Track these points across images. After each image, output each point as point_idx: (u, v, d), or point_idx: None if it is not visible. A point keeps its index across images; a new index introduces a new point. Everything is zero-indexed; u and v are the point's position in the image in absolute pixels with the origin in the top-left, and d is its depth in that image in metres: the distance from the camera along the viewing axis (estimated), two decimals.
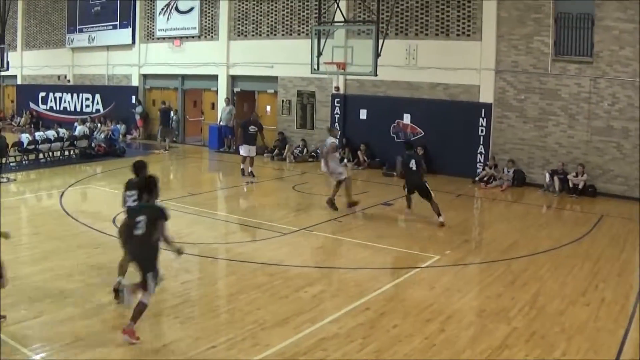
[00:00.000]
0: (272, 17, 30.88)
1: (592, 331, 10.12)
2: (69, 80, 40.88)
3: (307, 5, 29.54)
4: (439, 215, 17.60)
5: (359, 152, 27.32)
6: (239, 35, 32.20)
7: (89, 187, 22.31)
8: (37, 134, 28.19)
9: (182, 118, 35.44)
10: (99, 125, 34.35)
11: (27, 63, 43.54)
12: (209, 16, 33.35)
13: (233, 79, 32.90)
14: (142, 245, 9.57)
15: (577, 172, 22.30)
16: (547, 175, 22.94)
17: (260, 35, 31.38)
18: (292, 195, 21.84)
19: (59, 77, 41.49)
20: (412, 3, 26.35)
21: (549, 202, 21.81)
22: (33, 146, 26.68)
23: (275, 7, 30.68)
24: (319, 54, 24.14)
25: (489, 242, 16.49)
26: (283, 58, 29.89)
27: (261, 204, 20.74)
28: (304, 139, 29.72)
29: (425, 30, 26.18)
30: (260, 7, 31.19)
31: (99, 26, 38.23)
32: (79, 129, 30.49)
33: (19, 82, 44.65)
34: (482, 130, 24.81)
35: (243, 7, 31.85)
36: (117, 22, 37.17)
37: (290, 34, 30.25)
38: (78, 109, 39.88)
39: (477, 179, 24.16)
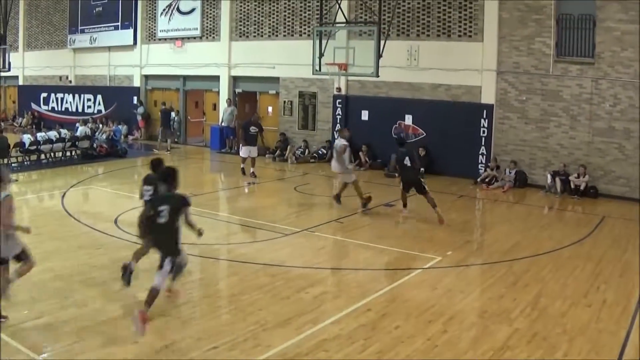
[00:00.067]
0: (273, 18, 30.89)
1: (594, 332, 10.12)
2: (70, 81, 40.90)
3: (309, 6, 29.55)
4: (435, 206, 17.86)
5: (360, 153, 27.28)
6: (240, 36, 32.22)
7: (91, 188, 22.30)
8: (38, 134, 28.19)
9: (184, 119, 35.45)
10: (100, 126, 34.39)
11: (29, 64, 43.58)
12: (210, 17, 33.36)
13: (235, 80, 32.90)
14: (165, 233, 10.10)
15: (579, 173, 22.30)
16: (549, 176, 22.94)
17: (262, 36, 31.39)
18: (294, 196, 21.84)
19: (60, 77, 41.51)
20: (414, 4, 26.36)
21: (551, 203, 21.80)
22: (35, 147, 26.70)
23: (277, 8, 30.69)
24: (321, 54, 24.13)
25: (490, 243, 16.49)
26: (285, 59, 29.90)
27: (263, 205, 20.73)
28: (306, 140, 29.73)
29: (427, 31, 26.18)
30: (262, 8, 31.20)
31: (100, 27, 38.25)
32: (81, 130, 30.54)
33: (20, 82, 44.69)
34: (483, 131, 24.81)
35: (245, 8, 31.86)
36: (119, 23, 37.19)
37: (292, 35, 30.26)
38: (80, 110, 39.89)
39: (478, 180, 24.15)
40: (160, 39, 35.65)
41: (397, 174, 20.42)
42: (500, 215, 20.43)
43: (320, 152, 29.09)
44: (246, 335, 9.66)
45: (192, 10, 33.89)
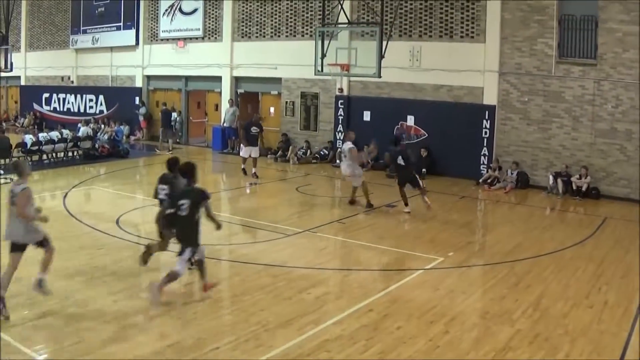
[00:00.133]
0: (275, 18, 30.90)
1: (596, 333, 10.12)
2: (72, 82, 40.91)
3: (311, 7, 29.56)
4: (424, 193, 18.75)
5: (362, 154, 27.27)
6: (242, 37, 32.22)
7: (93, 188, 22.32)
8: (40, 135, 28.20)
9: (186, 119, 35.46)
10: (102, 126, 34.43)
11: (31, 64, 43.60)
12: (212, 17, 33.37)
13: (237, 81, 32.90)
14: (186, 225, 10.82)
15: (581, 174, 22.28)
16: (551, 177, 22.92)
17: (264, 36, 31.40)
18: (296, 196, 21.84)
19: (62, 78, 41.52)
20: (416, 5, 26.36)
21: (553, 204, 21.78)
22: (36, 147, 26.72)
23: (279, 8, 30.70)
24: (323, 55, 24.12)
25: (492, 244, 16.50)
26: (287, 59, 29.90)
27: (265, 206, 20.74)
28: (308, 141, 29.73)
29: (429, 32, 26.19)
30: (264, 9, 31.21)
31: (102, 27, 38.27)
32: (83, 130, 30.58)
33: (22, 83, 44.70)
34: (485, 132, 24.81)
35: (247, 8, 31.87)
36: (121, 23, 37.22)
37: (294, 36, 30.26)
38: (82, 110, 39.89)
39: (480, 181, 24.14)
40: (162, 40, 35.67)
41: (394, 175, 20.59)
42: (502, 216, 20.43)
43: (322, 152, 29.10)
44: (248, 335, 9.66)
45: (194, 10, 33.90)
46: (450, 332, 10.06)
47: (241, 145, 25.18)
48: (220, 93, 33.39)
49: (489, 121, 24.69)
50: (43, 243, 10.52)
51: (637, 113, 21.76)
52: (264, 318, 10.36)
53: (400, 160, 18.88)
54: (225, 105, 32.52)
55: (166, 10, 35.15)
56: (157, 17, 35.72)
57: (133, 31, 36.59)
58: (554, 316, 10.81)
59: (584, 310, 11.15)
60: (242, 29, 32.17)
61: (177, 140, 34.52)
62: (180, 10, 34.50)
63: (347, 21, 25.78)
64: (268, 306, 10.96)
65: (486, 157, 24.85)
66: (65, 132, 29.10)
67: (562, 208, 21.37)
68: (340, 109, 28.73)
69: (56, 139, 27.77)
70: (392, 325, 10.24)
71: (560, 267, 13.87)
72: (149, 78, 36.96)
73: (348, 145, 19.62)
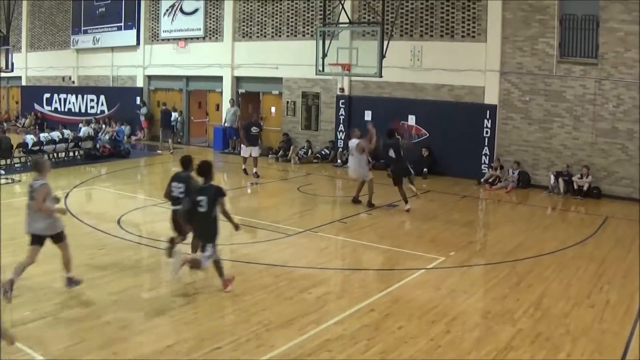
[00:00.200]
0: (276, 18, 30.90)
1: (597, 333, 10.11)
2: (73, 82, 40.93)
3: (312, 7, 29.55)
4: (412, 183, 19.52)
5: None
6: (243, 37, 32.23)
7: (94, 188, 22.31)
8: (41, 135, 28.18)
9: (187, 119, 35.47)
10: (103, 126, 34.39)
11: (32, 64, 43.65)
12: (213, 17, 33.37)
13: (238, 80, 32.91)
14: (204, 221, 11.29)
15: (582, 173, 22.27)
16: (552, 176, 22.91)
17: (265, 36, 31.40)
18: (297, 196, 21.85)
19: (63, 78, 41.54)
20: (417, 4, 26.36)
21: (554, 203, 21.77)
22: (38, 147, 26.70)
23: (280, 8, 30.70)
24: (324, 55, 24.12)
25: (494, 243, 16.48)
26: (288, 59, 29.90)
27: (266, 205, 20.75)
28: (309, 140, 29.74)
29: (430, 32, 26.18)
30: (265, 9, 31.21)
31: (103, 27, 38.29)
32: (84, 130, 30.59)
33: (23, 83, 44.74)
34: (486, 132, 24.80)
35: (248, 8, 31.87)
36: (122, 24, 37.23)
37: (295, 35, 30.26)
38: (83, 110, 39.91)
39: (482, 180, 24.13)
40: (163, 40, 35.68)
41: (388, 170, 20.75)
42: (504, 216, 20.42)
43: (323, 152, 29.10)
44: (249, 335, 9.66)
45: (195, 10, 33.91)
46: (452, 331, 10.05)
47: (242, 145, 25.23)
48: (221, 93, 33.41)
49: (490, 121, 24.69)
50: (60, 237, 11.14)
51: (638, 112, 21.74)
52: (265, 318, 10.35)
53: (391, 153, 19.20)
54: (226, 105, 32.54)
55: (167, 10, 35.16)
56: (158, 17, 35.73)
57: (134, 31, 36.61)
58: (556, 316, 10.80)
59: (586, 310, 11.14)
60: (243, 29, 32.17)
61: (179, 140, 34.57)
62: (181, 10, 34.51)
63: (348, 21, 25.78)
64: (269, 306, 10.95)
65: (487, 157, 24.85)
66: (67, 132, 29.10)
67: (564, 207, 21.36)
68: (342, 109, 28.73)
69: (57, 139, 27.77)
70: (394, 325, 10.23)
71: (561, 266, 13.87)
72: (150, 78, 36.98)
73: (354, 142, 19.67)
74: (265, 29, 31.37)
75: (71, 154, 28.58)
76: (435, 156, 25.86)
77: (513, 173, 23.78)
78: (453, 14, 25.50)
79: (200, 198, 11.24)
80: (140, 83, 37.03)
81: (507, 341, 9.66)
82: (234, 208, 20.40)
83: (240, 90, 32.95)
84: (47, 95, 42.61)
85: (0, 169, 24.20)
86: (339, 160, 28.15)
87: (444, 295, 11.82)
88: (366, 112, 27.84)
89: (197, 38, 34.12)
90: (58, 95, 41.86)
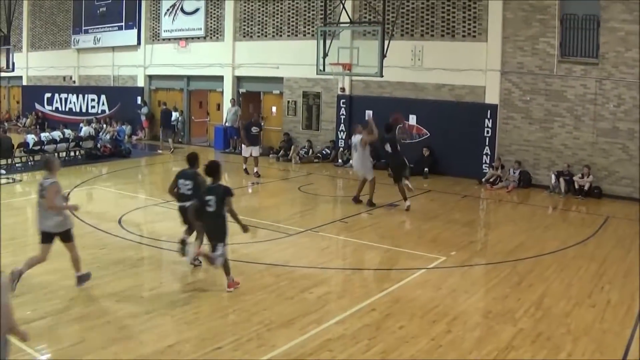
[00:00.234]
0: (277, 18, 30.90)
1: (598, 333, 10.11)
2: (74, 81, 40.94)
3: (313, 6, 29.55)
4: (407, 178, 19.73)
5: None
6: (244, 36, 32.24)
7: (95, 188, 22.31)
8: (42, 134, 28.17)
9: (188, 119, 35.48)
10: (104, 126, 34.38)
11: (33, 64, 43.66)
12: (214, 17, 33.38)
13: (239, 80, 32.92)
14: (213, 220, 11.47)
15: (583, 173, 22.26)
16: (553, 176, 22.90)
17: (266, 36, 31.41)
18: (298, 196, 21.85)
19: (64, 78, 41.56)
20: (418, 4, 26.35)
21: (555, 203, 21.77)
22: (39, 147, 26.70)
23: (281, 8, 30.70)
24: (325, 55, 24.12)
25: (494, 243, 16.47)
26: (289, 59, 29.90)
27: (267, 205, 20.76)
28: (310, 140, 29.74)
29: (431, 31, 26.17)
30: (266, 8, 31.21)
31: (104, 27, 38.30)
32: (85, 130, 30.61)
33: (24, 83, 44.78)
34: (487, 132, 24.80)
35: (248, 8, 31.87)
36: (123, 23, 37.24)
37: (296, 35, 30.26)
38: (83, 110, 39.94)
39: (483, 180, 24.11)
40: (164, 39, 35.69)
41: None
42: (505, 216, 20.42)
43: (324, 152, 29.10)
44: (250, 335, 9.66)
45: (196, 10, 33.91)
46: (453, 331, 10.05)
47: (242, 145, 25.27)
48: (222, 93, 33.41)
49: (491, 120, 24.68)
50: (69, 236, 11.39)
51: (638, 112, 21.73)
52: (266, 317, 10.36)
53: (387, 147, 19.41)
54: (227, 104, 32.53)
55: (168, 10, 35.17)
56: (159, 16, 35.74)
57: (135, 31, 36.62)
58: (557, 315, 10.80)
59: (587, 310, 11.14)
60: (244, 29, 32.18)
61: (180, 140, 34.59)
62: (182, 10, 34.51)
63: (349, 20, 25.80)
64: (270, 306, 10.96)
65: (488, 157, 24.84)
66: (67, 132, 29.11)
67: (564, 207, 21.36)
68: (342, 109, 28.73)
69: (58, 139, 27.76)
70: (395, 324, 10.24)
71: (562, 266, 13.87)
72: (150, 78, 36.99)
73: (357, 137, 19.71)
74: (266, 28, 31.37)
75: (72, 153, 28.58)
76: (436, 156, 25.86)
77: (514, 173, 23.77)
78: (454, 13, 25.50)
79: (208, 198, 11.41)
80: (141, 83, 37.04)
81: (508, 341, 9.66)
82: (235, 207, 20.32)
83: (241, 90, 32.96)
84: (48, 94, 42.64)
85: (1, 168, 24.19)
86: (339, 160, 28.16)
87: (444, 295, 11.83)
88: (367, 111, 27.76)
89: (198, 38, 34.12)
90: (59, 94, 41.90)
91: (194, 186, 12.66)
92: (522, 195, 22.75)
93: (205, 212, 11.46)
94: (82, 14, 39.66)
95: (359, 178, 20.23)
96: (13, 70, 36.69)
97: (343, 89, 28.46)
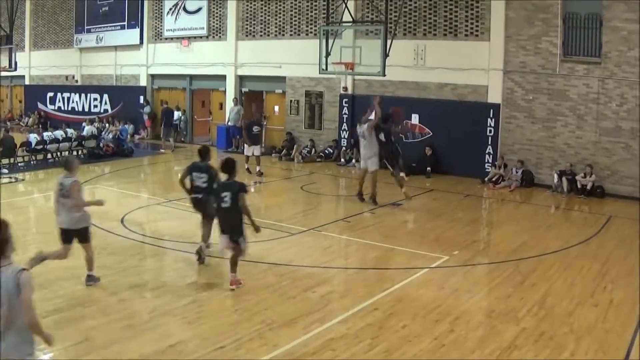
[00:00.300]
0: (280, 17, 30.89)
1: (601, 332, 10.11)
2: (76, 81, 40.96)
3: (315, 6, 29.53)
4: (402, 170, 19.99)
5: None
6: (247, 36, 32.23)
7: (97, 187, 22.28)
8: (45, 134, 28.24)
9: (190, 118, 35.49)
10: (107, 125, 34.38)
11: (35, 63, 43.64)
12: (217, 16, 33.37)
13: (241, 79, 32.91)
14: (229, 216, 11.70)
15: (586, 172, 22.23)
16: (556, 175, 22.88)
17: (269, 35, 31.39)
18: (301, 195, 21.85)
19: (66, 77, 41.58)
20: (420, 3, 26.33)
21: (558, 202, 21.76)
22: (41, 146, 26.75)
23: (284, 7, 30.68)
24: (327, 54, 24.15)
25: (497, 242, 16.47)
26: (291, 58, 29.88)
27: (269, 204, 20.76)
28: (312, 139, 29.72)
29: (434, 31, 26.15)
30: (268, 7, 31.20)
31: (106, 26, 38.30)
32: (87, 129, 30.62)
33: (26, 82, 44.78)
34: (490, 131, 24.76)
35: (251, 7, 31.86)
36: (125, 23, 37.22)
37: (299, 34, 30.25)
38: (86, 109, 39.97)
39: (485, 179, 24.09)
40: (166, 39, 35.68)
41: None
42: (507, 215, 20.40)
43: (326, 151, 29.09)
44: (253, 334, 9.66)
45: (199, 9, 33.91)
46: (456, 330, 10.05)
47: (244, 144, 25.29)
48: (224, 92, 33.41)
49: (493, 119, 24.65)
50: (86, 235, 11.63)
51: None
52: (268, 317, 10.37)
53: (381, 136, 19.60)
54: (229, 104, 32.51)
55: (170, 9, 35.16)
56: (162, 16, 35.74)
57: (137, 30, 36.61)
58: (559, 315, 10.80)
59: (589, 309, 11.14)
60: (247, 28, 32.17)
61: (182, 139, 34.60)
62: (185, 9, 34.51)
63: (351, 20, 25.80)
64: (273, 305, 10.96)
65: (491, 156, 24.80)
66: (70, 131, 29.15)
67: (567, 206, 21.35)
68: (345, 108, 28.71)
69: (60, 138, 27.82)
70: (397, 324, 10.24)
71: (565, 265, 13.86)
72: (153, 77, 36.98)
73: (363, 127, 19.80)
74: (268, 27, 31.36)
75: (74, 153, 28.54)
76: (439, 155, 25.84)
77: (516, 172, 23.75)
78: (456, 12, 25.47)
79: (224, 194, 11.68)
80: (143, 82, 37.05)
81: (511, 340, 9.67)
82: None
83: (243, 89, 32.96)
84: (50, 94, 42.68)
85: (4, 168, 24.21)
86: (342, 159, 28.15)
87: (447, 294, 11.83)
88: (369, 111, 27.83)
89: (201, 37, 34.12)
90: (61, 94, 41.93)
91: (209, 179, 13.22)
92: (525, 195, 22.73)
93: (221, 208, 11.75)
94: (84, 13, 39.67)
95: (360, 170, 20.28)
96: (15, 69, 36.68)
97: (345, 88, 28.44)
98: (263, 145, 26.33)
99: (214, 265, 13.56)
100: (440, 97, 26.13)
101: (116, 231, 15.67)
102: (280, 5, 30.80)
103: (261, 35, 31.66)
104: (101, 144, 29.69)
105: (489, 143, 24.82)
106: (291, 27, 30.55)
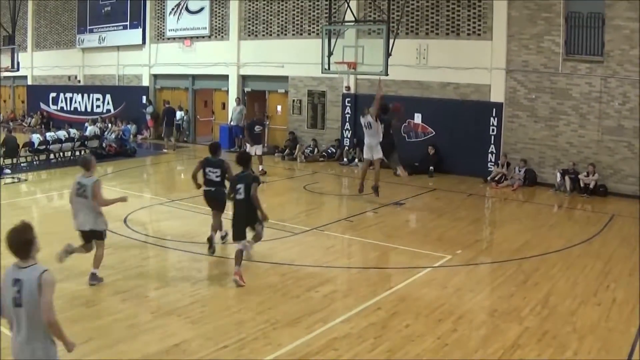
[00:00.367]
0: (282, 16, 30.90)
1: (604, 331, 10.10)
2: (79, 81, 41.00)
3: (318, 5, 29.53)
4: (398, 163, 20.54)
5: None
6: (249, 35, 32.24)
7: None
8: (47, 134, 28.24)
9: (193, 118, 35.50)
10: (109, 125, 34.48)
11: (38, 63, 43.71)
12: (219, 16, 33.38)
13: (243, 79, 32.92)
14: (244, 206, 12.16)
15: (588, 171, 22.22)
16: (558, 174, 22.86)
17: (271, 35, 31.40)
18: (303, 194, 21.85)
19: (69, 77, 41.62)
20: (423, 2, 26.32)
21: (560, 201, 21.73)
22: (44, 146, 26.77)
23: (286, 6, 30.69)
24: (330, 53, 24.13)
25: (500, 241, 16.49)
26: (293, 58, 29.89)
27: (272, 204, 20.68)
28: (315, 139, 29.73)
29: (436, 30, 26.15)
30: (271, 7, 31.21)
31: (109, 26, 38.32)
32: (90, 129, 30.66)
33: (29, 82, 44.85)
34: (492, 130, 24.75)
35: (253, 7, 31.87)
36: (128, 23, 37.26)
37: (301, 34, 30.25)
38: (89, 110, 40.00)
39: (488, 178, 24.08)
40: (169, 38, 35.71)
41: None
42: (510, 214, 20.39)
43: (329, 150, 29.09)
44: (256, 334, 9.68)
45: (201, 9, 33.92)
46: (459, 330, 10.06)
47: (247, 144, 25.32)
48: (227, 92, 33.43)
49: (496, 119, 24.64)
50: (101, 235, 11.83)
51: None
52: (271, 316, 10.37)
53: (381, 128, 19.93)
54: (232, 103, 32.52)
55: (172, 9, 35.18)
56: (164, 16, 35.76)
57: (139, 30, 36.63)
58: (562, 314, 10.80)
59: (592, 308, 11.14)
60: (249, 28, 32.18)
61: (185, 139, 34.64)
62: (187, 9, 34.52)
63: (353, 19, 25.80)
64: (276, 304, 10.98)
65: (494, 155, 24.78)
66: (73, 131, 29.17)
67: (570, 205, 21.34)
68: (348, 107, 28.70)
69: (63, 138, 27.82)
70: (400, 323, 10.25)
71: (568, 264, 13.86)
72: (155, 77, 37.01)
73: (367, 117, 19.94)
74: (270, 27, 31.37)
75: (77, 153, 28.53)
76: (441, 154, 25.82)
77: (519, 171, 23.74)
78: (459, 12, 25.47)
79: (238, 186, 12.18)
80: (146, 82, 37.07)
81: (514, 339, 9.67)
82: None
83: (246, 89, 32.96)
84: (53, 94, 42.72)
85: (7, 168, 24.24)
86: (345, 159, 28.15)
87: (450, 293, 11.84)
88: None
89: (203, 37, 34.15)
90: (64, 94, 41.96)
91: (222, 173, 14.03)
92: (528, 194, 22.72)
93: (236, 199, 12.24)
94: (87, 14, 39.70)
95: (364, 163, 20.38)
96: (18, 69, 36.69)
97: (348, 88, 28.41)
98: (265, 144, 26.31)
99: (218, 264, 13.59)
100: (442, 97, 26.13)
101: (119, 231, 15.68)
102: (282, 5, 30.81)
103: (263, 35, 31.67)
104: (104, 144, 29.72)
105: (492, 142, 24.81)
106: (293, 26, 30.56)
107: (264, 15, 31.53)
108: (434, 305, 11.11)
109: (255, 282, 12.17)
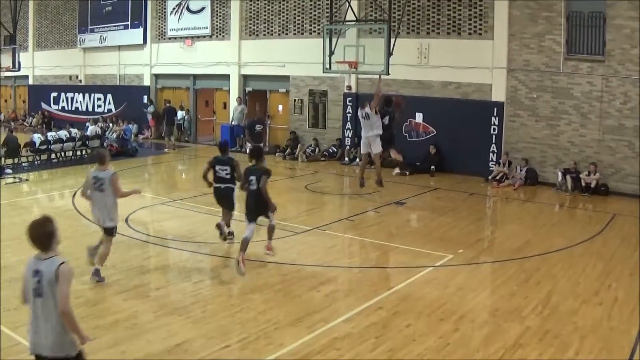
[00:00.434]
0: (283, 16, 30.90)
1: (605, 330, 10.10)
2: (80, 81, 41.01)
3: (319, 5, 29.53)
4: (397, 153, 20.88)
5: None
6: (250, 35, 32.24)
7: None
8: (49, 134, 28.24)
9: (194, 118, 35.50)
10: (110, 125, 34.52)
11: (39, 63, 43.76)
12: (220, 16, 33.39)
13: (245, 79, 32.93)
14: (255, 198, 12.89)
15: (590, 170, 22.21)
16: (560, 174, 22.85)
17: (272, 34, 31.40)
18: (305, 194, 21.85)
19: (70, 77, 41.63)
20: (424, 2, 26.32)
21: (562, 201, 21.71)
22: (45, 146, 26.76)
23: (287, 6, 30.69)
24: (331, 53, 24.11)
25: (501, 241, 16.49)
26: (295, 57, 29.89)
27: (273, 203, 20.74)
28: (316, 139, 29.73)
29: (437, 29, 26.15)
30: (272, 7, 31.21)
31: (110, 26, 38.35)
32: (91, 129, 30.67)
33: (30, 82, 44.90)
34: (494, 129, 24.75)
35: (254, 6, 31.88)
36: (129, 22, 37.27)
37: (302, 33, 30.26)
38: (90, 109, 40.02)
39: (489, 177, 24.07)
40: (170, 38, 35.72)
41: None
42: (511, 213, 20.39)
43: (330, 150, 29.10)
44: (258, 334, 9.68)
45: (202, 9, 33.93)
46: (460, 329, 10.05)
47: (247, 143, 25.35)
48: (228, 91, 33.43)
49: (497, 118, 24.64)
50: (111, 231, 12.05)
51: None
52: (273, 316, 10.38)
53: (385, 120, 20.24)
54: (233, 103, 32.54)
55: (174, 8, 35.19)
56: (165, 15, 35.77)
57: (141, 30, 36.65)
58: (564, 313, 10.79)
59: (594, 307, 11.13)
60: (250, 27, 32.19)
61: (186, 139, 34.66)
62: (188, 8, 34.53)
63: (355, 18, 25.76)
64: (277, 304, 10.98)
65: (495, 154, 24.78)
66: (74, 131, 29.16)
67: (571, 205, 21.33)
68: (349, 107, 28.68)
69: (64, 138, 27.82)
70: (402, 323, 10.25)
71: (569, 263, 13.86)
72: (156, 77, 37.02)
73: (366, 109, 20.15)
74: (272, 27, 31.38)
75: (78, 153, 28.61)
76: (443, 154, 25.81)
77: (521, 170, 23.73)
78: (460, 11, 25.46)
79: (251, 177, 12.86)
80: (147, 82, 37.08)
81: (516, 339, 9.67)
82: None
83: (247, 89, 32.96)
84: (54, 94, 42.75)
85: (8, 168, 24.24)
86: (346, 158, 28.17)
87: (452, 293, 11.83)
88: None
89: (204, 36, 34.16)
90: (65, 94, 41.99)
91: (231, 170, 14.51)
92: (529, 193, 22.71)
93: (249, 190, 12.93)
94: (88, 13, 39.74)
95: (363, 155, 20.45)
96: (19, 69, 36.72)
97: (349, 87, 28.45)
98: (267, 144, 26.31)
99: (219, 264, 13.59)
100: (444, 96, 26.12)
101: (121, 231, 15.60)
102: (283, 5, 30.82)
103: (265, 35, 31.68)
104: (105, 144, 29.68)
105: (493, 141, 24.81)
106: (295, 26, 30.56)
107: (265, 15, 31.54)
108: (435, 304, 11.10)
109: (256, 281, 12.18)
